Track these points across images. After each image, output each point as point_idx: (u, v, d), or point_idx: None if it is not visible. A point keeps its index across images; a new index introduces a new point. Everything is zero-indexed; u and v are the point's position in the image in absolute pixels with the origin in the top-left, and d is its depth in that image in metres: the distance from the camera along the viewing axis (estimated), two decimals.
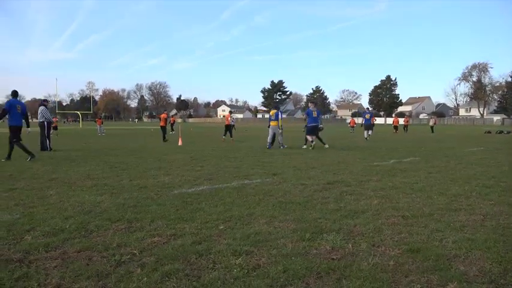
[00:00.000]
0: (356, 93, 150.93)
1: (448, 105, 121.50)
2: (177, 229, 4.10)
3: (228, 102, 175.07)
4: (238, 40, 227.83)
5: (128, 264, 3.14)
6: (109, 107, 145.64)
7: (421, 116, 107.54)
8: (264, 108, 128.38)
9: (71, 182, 7.02)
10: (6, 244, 3.60)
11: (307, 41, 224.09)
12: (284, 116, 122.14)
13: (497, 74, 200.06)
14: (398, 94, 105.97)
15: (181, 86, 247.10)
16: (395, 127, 35.55)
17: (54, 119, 32.32)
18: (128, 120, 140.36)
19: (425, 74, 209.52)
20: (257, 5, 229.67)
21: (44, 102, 14.86)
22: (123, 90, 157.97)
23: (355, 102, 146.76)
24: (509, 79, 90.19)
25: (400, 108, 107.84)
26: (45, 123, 13.90)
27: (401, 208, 5.02)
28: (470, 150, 14.69)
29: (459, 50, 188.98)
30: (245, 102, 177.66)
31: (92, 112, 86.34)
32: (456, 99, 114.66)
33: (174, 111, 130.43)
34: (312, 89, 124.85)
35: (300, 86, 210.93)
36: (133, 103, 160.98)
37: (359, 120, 79.83)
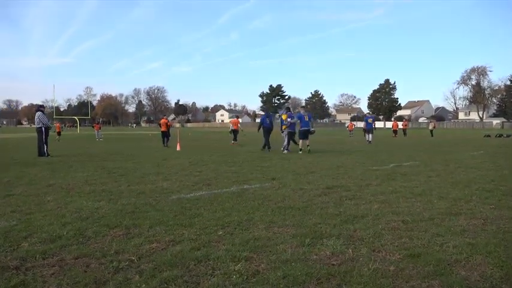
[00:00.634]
0: (355, 97, 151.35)
1: (447, 108, 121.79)
2: (176, 235, 4.08)
3: (227, 107, 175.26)
4: (236, 44, 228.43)
5: (126, 271, 3.13)
6: (107, 112, 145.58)
7: (421, 120, 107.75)
8: (263, 113, 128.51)
9: (69, 188, 7.00)
10: (3, 251, 3.58)
11: (306, 45, 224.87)
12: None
13: (496, 78, 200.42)
14: (398, 98, 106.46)
15: (180, 91, 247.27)
16: (395, 131, 35.58)
17: (57, 125, 32.54)
18: (127, 125, 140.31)
19: (424, 77, 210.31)
20: (256, 9, 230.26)
21: (40, 107, 14.84)
22: (121, 95, 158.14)
23: (354, 106, 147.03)
24: (509, 82, 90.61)
25: (399, 112, 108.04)
26: (43, 128, 13.88)
27: (401, 213, 5.01)
28: (470, 154, 14.71)
29: (458, 54, 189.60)
30: (244, 107, 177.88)
31: (89, 117, 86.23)
32: (455, 103, 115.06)
33: (172, 116, 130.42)
34: (311, 93, 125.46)
35: (298, 90, 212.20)
36: (131, 108, 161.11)
37: (359, 124, 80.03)
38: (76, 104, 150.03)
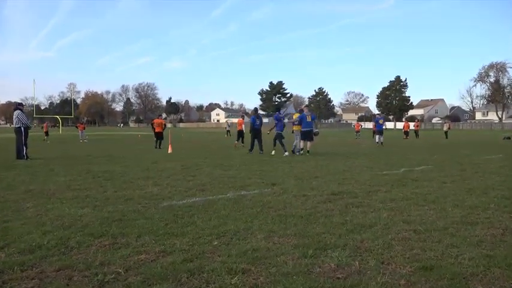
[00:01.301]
0: (363, 95, 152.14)
1: (463, 108, 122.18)
2: (167, 245, 4.08)
3: (223, 106, 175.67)
4: (234, 38, 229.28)
5: (112, 285, 3.13)
6: (92, 111, 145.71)
7: (434, 120, 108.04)
8: (262, 112, 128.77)
9: (50, 194, 6.99)
10: None
11: (309, 39, 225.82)
12: (286, 120, 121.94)
13: None
14: (409, 96, 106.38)
15: (172, 88, 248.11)
16: (406, 132, 35.63)
17: (45, 124, 32.94)
18: (114, 125, 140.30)
19: (439, 74, 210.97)
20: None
21: (19, 106, 14.79)
22: (108, 92, 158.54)
23: (362, 105, 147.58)
24: None
25: (411, 112, 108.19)
26: (22, 128, 13.85)
27: (413, 221, 5.02)
28: (488, 157, 14.74)
29: (475, 49, 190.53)
30: (241, 105, 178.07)
31: (73, 116, 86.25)
32: (472, 102, 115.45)
33: (163, 115, 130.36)
34: (315, 90, 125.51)
35: (301, 88, 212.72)
36: (118, 106, 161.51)
37: (367, 125, 80.00)
38: (58, 101, 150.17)
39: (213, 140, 31.40)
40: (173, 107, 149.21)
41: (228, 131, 41.21)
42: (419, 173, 9.78)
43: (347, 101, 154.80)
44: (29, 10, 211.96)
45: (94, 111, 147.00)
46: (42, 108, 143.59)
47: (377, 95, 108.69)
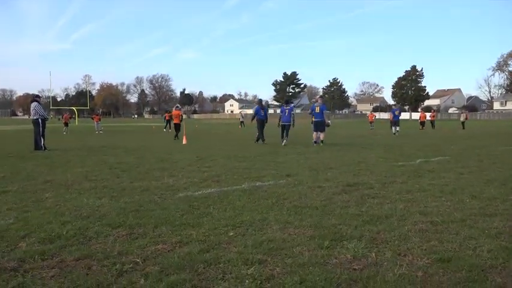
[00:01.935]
0: (377, 85, 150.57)
1: (480, 98, 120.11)
2: (183, 236, 4.12)
3: (237, 96, 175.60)
4: (247, 28, 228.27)
5: (130, 274, 3.17)
6: (107, 103, 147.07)
7: (451, 111, 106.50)
8: (276, 103, 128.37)
9: (68, 184, 7.11)
10: None
11: (323, 28, 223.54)
12: (298, 110, 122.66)
13: None
14: (425, 86, 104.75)
15: (185, 79, 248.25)
16: (422, 123, 35.22)
17: (65, 115, 33.20)
18: (129, 117, 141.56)
19: (455, 63, 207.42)
20: None
21: (36, 98, 15.02)
22: (122, 84, 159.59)
23: (377, 95, 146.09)
24: None
25: (427, 102, 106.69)
26: (40, 120, 14.07)
27: (429, 213, 4.98)
28: (507, 148, 14.50)
29: (493, 37, 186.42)
30: (255, 96, 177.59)
31: (88, 108, 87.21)
32: (490, 92, 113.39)
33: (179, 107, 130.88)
34: (329, 81, 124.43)
35: (315, 78, 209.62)
36: (133, 98, 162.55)
37: (383, 116, 79.10)
38: (74, 93, 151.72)
39: (227, 131, 31.48)
40: (187, 98, 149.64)
41: (242, 122, 41.19)
42: (435, 164, 9.67)
43: (362, 91, 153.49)
44: (45, 2, 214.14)
45: (109, 102, 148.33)
46: (59, 99, 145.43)
47: (392, 85, 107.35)
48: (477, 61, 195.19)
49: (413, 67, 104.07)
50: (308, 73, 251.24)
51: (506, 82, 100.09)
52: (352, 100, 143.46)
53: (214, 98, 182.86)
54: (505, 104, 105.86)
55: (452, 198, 5.80)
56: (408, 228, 4.36)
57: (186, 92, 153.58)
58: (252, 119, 18.05)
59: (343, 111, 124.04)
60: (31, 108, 14.44)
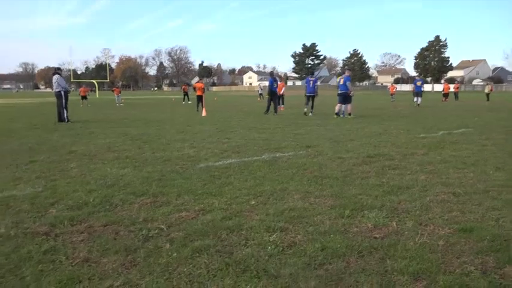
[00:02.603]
0: (399, 56, 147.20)
1: (507, 69, 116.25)
2: (206, 204, 4.21)
3: (255, 69, 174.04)
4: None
5: (156, 239, 3.28)
6: (126, 75, 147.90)
7: (475, 82, 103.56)
8: (295, 75, 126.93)
9: (92, 155, 7.27)
10: (31, 217, 3.82)
11: None
12: (318, 82, 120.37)
13: None
14: (449, 57, 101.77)
15: (204, 51, 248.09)
16: (445, 94, 34.43)
17: (82, 89, 32.94)
18: (148, 89, 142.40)
19: (481, 33, 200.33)
20: None
21: (57, 70, 15.21)
22: (141, 56, 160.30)
23: (398, 67, 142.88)
24: None
25: (450, 73, 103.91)
26: (62, 92, 14.29)
27: (451, 184, 4.95)
28: None
29: None
30: (274, 69, 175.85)
31: (108, 81, 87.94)
32: None
33: (196, 79, 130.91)
34: (349, 52, 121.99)
35: (335, 50, 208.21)
36: (152, 70, 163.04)
37: (404, 87, 77.56)
38: (94, 66, 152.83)
39: (246, 104, 31.43)
40: (206, 71, 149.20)
41: (261, 94, 40.94)
42: (458, 136, 9.52)
43: (383, 62, 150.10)
44: None
45: (128, 75, 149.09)
46: (79, 73, 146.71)
47: (415, 56, 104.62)
48: (504, 31, 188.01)
49: (437, 37, 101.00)
50: (328, 45, 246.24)
51: None
52: (373, 72, 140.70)
53: (232, 71, 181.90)
54: None
55: (475, 170, 5.73)
56: (430, 199, 4.34)
57: (204, 64, 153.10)
58: (269, 93, 18.38)
59: (364, 83, 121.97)
60: (53, 81, 14.66)
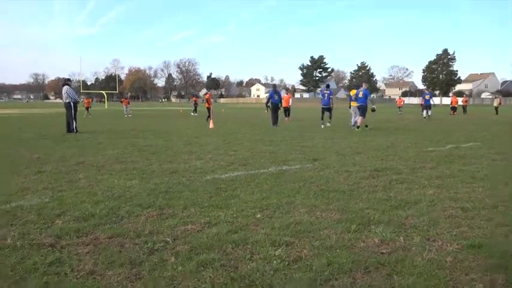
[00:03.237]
0: (407, 69, 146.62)
1: None
2: (212, 217, 4.20)
3: (263, 81, 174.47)
4: (274, 10, 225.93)
5: (161, 252, 3.27)
6: (135, 86, 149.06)
7: (484, 96, 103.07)
8: (303, 87, 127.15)
9: (99, 166, 7.31)
10: (37, 228, 3.83)
11: (350, 10, 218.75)
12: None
13: None
14: (457, 70, 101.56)
15: (212, 63, 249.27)
16: (453, 108, 34.27)
17: (86, 100, 33.37)
18: (156, 100, 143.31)
19: (489, 46, 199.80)
20: None
21: (67, 81, 15.42)
22: (150, 68, 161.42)
23: (406, 79, 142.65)
24: None
25: (459, 87, 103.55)
26: (72, 103, 14.43)
27: (460, 199, 4.89)
28: None
29: None
30: (281, 81, 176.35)
31: (117, 92, 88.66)
32: None
33: (204, 91, 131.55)
34: (357, 65, 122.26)
35: (342, 62, 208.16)
36: (160, 82, 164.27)
37: (412, 100, 77.31)
38: (103, 77, 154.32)
39: (253, 116, 31.48)
40: (214, 83, 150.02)
41: (268, 106, 40.98)
42: (467, 150, 9.44)
43: (390, 75, 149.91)
44: None
45: (137, 86, 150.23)
46: (89, 83, 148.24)
47: (423, 69, 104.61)
48: None
49: (445, 50, 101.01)
50: (335, 57, 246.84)
51: None
52: (381, 85, 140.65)
53: (240, 83, 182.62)
54: None
55: (484, 185, 5.67)
56: (438, 214, 4.30)
57: (212, 76, 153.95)
58: (267, 103, 18.96)
59: (371, 95, 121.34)
60: (63, 92, 14.82)
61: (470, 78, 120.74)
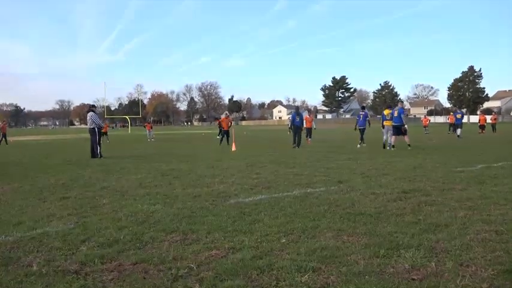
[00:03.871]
0: (432, 87, 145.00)
1: None
2: (236, 242, 4.17)
3: (285, 102, 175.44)
4: (294, 32, 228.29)
5: (185, 279, 3.25)
6: (158, 111, 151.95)
7: None
8: (325, 108, 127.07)
9: (123, 191, 7.40)
10: (62, 255, 3.88)
11: (372, 29, 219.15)
12: (348, 116, 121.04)
13: None
14: (484, 88, 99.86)
15: (233, 86, 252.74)
16: (482, 126, 33.50)
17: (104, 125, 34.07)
18: (178, 124, 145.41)
19: None
20: None
21: (92, 107, 15.85)
22: (172, 92, 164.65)
23: (431, 98, 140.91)
24: None
25: (486, 104, 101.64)
26: (96, 129, 14.78)
27: (493, 221, 4.74)
28: None
29: None
30: (303, 102, 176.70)
31: (140, 116, 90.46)
32: None
33: (226, 113, 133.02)
34: (380, 84, 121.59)
35: (365, 82, 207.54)
36: (182, 105, 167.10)
37: (438, 119, 76.09)
38: (127, 102, 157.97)
39: (275, 138, 31.51)
40: (235, 105, 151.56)
41: (290, 127, 41.01)
42: (498, 170, 9.18)
43: (415, 94, 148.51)
44: (97, 17, 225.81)
45: (160, 110, 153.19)
46: (112, 109, 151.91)
47: (448, 87, 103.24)
48: None
49: (471, 67, 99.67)
50: (358, 77, 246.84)
51: None
52: (405, 104, 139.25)
53: (262, 105, 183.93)
54: None
55: None
56: (470, 237, 4.16)
57: (234, 99, 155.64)
58: (290, 126, 19.16)
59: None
60: (87, 118, 15.22)
61: (499, 95, 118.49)
